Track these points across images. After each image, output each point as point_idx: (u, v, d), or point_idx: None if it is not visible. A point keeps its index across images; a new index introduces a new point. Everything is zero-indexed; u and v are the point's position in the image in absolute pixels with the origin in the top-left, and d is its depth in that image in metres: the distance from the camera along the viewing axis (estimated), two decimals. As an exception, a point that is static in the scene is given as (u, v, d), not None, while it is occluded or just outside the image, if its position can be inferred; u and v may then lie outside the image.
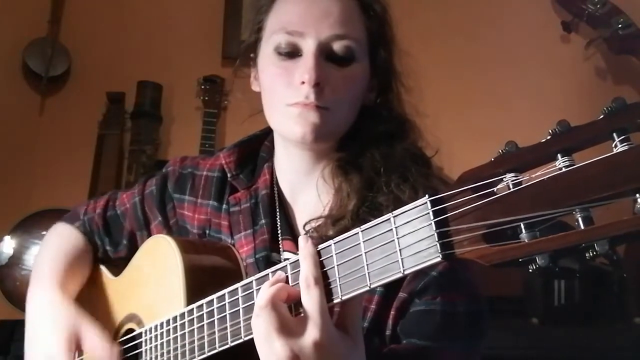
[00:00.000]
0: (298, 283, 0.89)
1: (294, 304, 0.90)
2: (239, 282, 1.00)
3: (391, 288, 1.07)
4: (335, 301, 0.87)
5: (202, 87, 2.80)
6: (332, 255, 0.87)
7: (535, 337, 2.21)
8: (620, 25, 2.57)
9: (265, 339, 0.87)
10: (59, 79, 2.85)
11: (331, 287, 0.87)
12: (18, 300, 2.46)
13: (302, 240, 0.90)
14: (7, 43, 2.83)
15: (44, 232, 2.31)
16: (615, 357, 2.13)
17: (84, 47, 2.88)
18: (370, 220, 0.85)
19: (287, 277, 0.92)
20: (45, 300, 1.30)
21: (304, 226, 1.16)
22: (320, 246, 0.89)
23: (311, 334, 0.85)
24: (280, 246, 1.21)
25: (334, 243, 0.88)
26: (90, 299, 1.38)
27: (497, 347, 1.96)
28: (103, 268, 1.42)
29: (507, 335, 2.10)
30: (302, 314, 0.87)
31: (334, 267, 0.87)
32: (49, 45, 2.79)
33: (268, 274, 0.95)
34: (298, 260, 0.90)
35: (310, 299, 0.86)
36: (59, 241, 1.41)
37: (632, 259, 2.32)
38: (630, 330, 2.24)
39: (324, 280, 0.87)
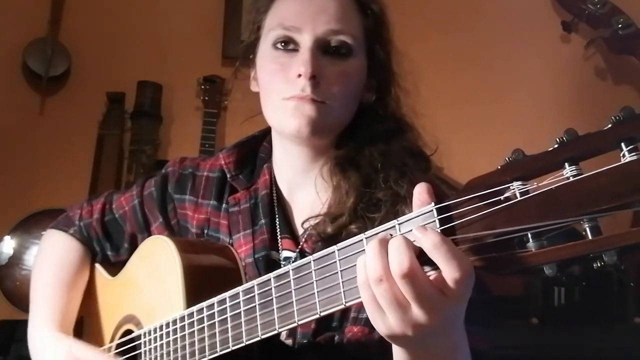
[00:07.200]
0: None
1: None
2: (238, 282, 1.01)
3: None
4: None
5: (202, 87, 2.79)
6: None
7: (535, 337, 2.21)
8: (620, 25, 2.56)
9: (400, 309, 0.75)
10: (59, 79, 2.83)
11: None
12: (18, 300, 2.46)
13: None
14: (7, 43, 2.82)
15: (44, 232, 2.30)
16: (615, 357, 2.13)
17: (84, 47, 2.86)
18: (368, 217, 0.84)
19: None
20: (47, 337, 1.31)
21: (303, 224, 1.18)
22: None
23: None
24: (279, 245, 1.22)
25: (338, 250, 0.86)
26: (87, 300, 1.39)
27: (497, 347, 1.96)
28: (99, 267, 1.42)
29: (507, 335, 2.10)
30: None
31: None
32: (49, 45, 2.78)
33: (270, 278, 0.94)
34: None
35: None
36: (57, 253, 1.40)
37: (633, 259, 2.32)
38: (630, 330, 2.24)
39: None
